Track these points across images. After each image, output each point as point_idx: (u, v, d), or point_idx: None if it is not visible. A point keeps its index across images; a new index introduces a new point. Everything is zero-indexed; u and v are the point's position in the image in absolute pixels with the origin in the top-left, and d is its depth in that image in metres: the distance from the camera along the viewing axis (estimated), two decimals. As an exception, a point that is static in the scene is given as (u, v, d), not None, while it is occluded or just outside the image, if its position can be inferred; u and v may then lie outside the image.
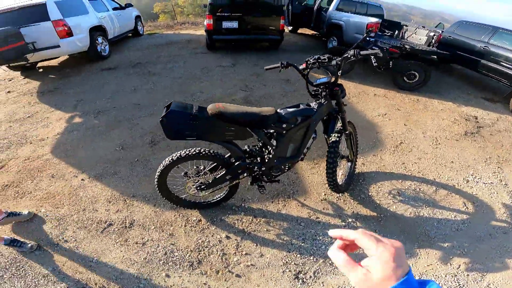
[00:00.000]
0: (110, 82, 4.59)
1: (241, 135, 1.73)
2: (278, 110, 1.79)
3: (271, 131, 1.84)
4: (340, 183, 2.33)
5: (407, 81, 4.47)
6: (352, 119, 3.43)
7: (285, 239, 2.03)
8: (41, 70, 5.28)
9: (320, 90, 1.91)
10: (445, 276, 1.84)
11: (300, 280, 1.79)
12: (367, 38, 4.44)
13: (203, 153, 1.81)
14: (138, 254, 1.92)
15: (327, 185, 2.42)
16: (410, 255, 1.96)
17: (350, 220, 2.21)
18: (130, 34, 7.46)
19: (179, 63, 5.33)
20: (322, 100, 1.92)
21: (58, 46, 4.48)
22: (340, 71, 1.87)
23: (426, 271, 1.86)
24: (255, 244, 1.99)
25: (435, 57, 4.36)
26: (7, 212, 2.06)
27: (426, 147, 3.19)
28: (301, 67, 1.87)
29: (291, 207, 2.30)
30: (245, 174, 1.96)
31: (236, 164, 1.85)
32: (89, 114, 3.62)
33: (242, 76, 4.67)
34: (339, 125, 2.13)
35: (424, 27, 5.38)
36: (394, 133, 3.39)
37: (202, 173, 1.91)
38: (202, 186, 1.93)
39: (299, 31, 8.63)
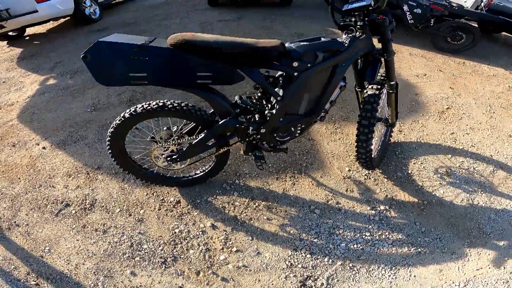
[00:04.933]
0: (96, 42, 4.07)
1: (224, 76, 1.14)
2: (287, 44, 1.16)
3: (276, 75, 1.22)
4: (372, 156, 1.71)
5: (451, 42, 3.71)
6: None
7: (291, 232, 1.55)
8: (27, 38, 4.87)
9: (353, 19, 1.26)
10: (496, 282, 1.47)
11: (308, 289, 1.31)
12: None
13: (170, 106, 1.23)
14: (98, 244, 1.50)
15: (353, 157, 1.83)
16: (458, 256, 1.53)
17: (382, 207, 1.65)
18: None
19: (175, 20, 4.72)
20: (357, 33, 1.26)
21: (36, 11, 4.01)
22: None
23: (474, 276, 1.46)
24: (249, 238, 1.53)
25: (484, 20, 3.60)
26: None
27: (479, 116, 2.48)
28: None
29: (303, 187, 1.74)
30: (236, 139, 1.38)
31: (221, 122, 1.26)
32: (65, 75, 3.15)
33: (247, 30, 3.97)
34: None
35: None
36: (438, 96, 2.68)
37: (175, 136, 1.35)
38: (174, 156, 1.37)
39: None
